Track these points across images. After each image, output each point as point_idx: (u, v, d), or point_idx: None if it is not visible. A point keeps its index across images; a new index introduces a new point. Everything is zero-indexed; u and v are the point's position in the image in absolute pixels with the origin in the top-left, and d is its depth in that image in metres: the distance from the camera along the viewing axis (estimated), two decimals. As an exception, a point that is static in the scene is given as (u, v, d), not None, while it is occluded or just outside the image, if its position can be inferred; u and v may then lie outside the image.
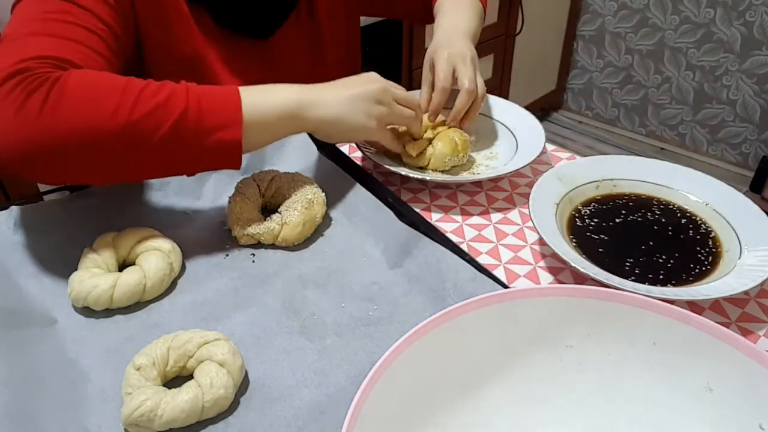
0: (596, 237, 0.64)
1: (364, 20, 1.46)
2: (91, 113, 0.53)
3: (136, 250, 0.60)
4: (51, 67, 0.56)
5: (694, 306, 0.57)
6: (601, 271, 0.57)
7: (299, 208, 0.63)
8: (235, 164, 0.60)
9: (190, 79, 0.59)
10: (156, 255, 0.58)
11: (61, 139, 0.53)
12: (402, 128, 0.76)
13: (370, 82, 0.67)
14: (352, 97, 0.64)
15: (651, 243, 0.63)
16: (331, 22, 0.89)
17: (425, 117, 0.77)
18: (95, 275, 0.56)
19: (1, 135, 0.53)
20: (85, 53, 0.60)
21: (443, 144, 0.74)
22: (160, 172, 0.60)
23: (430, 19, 0.93)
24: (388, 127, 0.71)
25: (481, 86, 0.75)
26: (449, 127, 0.77)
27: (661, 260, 0.61)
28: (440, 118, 0.78)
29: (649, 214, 0.67)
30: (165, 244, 0.60)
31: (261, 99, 0.60)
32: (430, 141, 0.75)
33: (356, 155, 0.81)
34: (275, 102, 0.61)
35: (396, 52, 1.81)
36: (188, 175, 0.63)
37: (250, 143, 0.60)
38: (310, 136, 0.76)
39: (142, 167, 0.58)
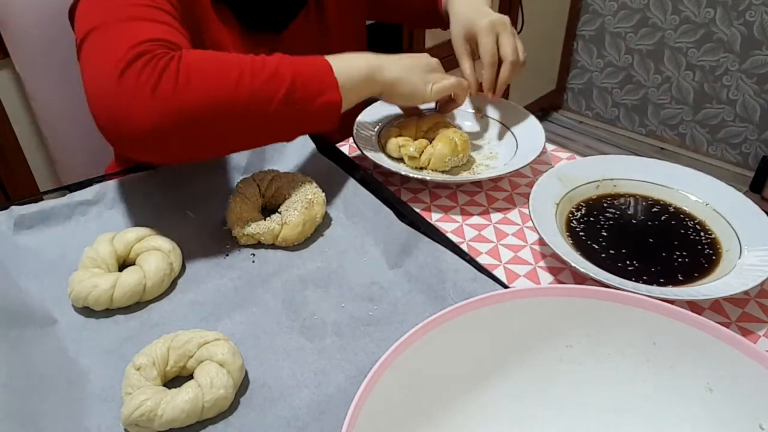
0: (596, 237, 0.64)
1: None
2: (219, 85, 0.58)
3: (136, 250, 0.60)
4: (165, 47, 0.59)
5: (694, 306, 0.57)
6: (601, 271, 0.57)
7: (299, 208, 0.63)
8: (335, 123, 0.66)
9: None
10: (156, 255, 0.58)
11: (194, 114, 0.57)
12: (398, 134, 0.77)
13: (425, 56, 0.76)
14: (410, 65, 0.74)
15: (651, 243, 0.63)
16: (339, 20, 0.91)
17: (421, 120, 0.79)
18: (95, 275, 0.56)
19: (138, 115, 0.56)
20: (177, 34, 0.63)
21: (443, 144, 0.74)
22: (275, 137, 0.66)
23: (438, 22, 0.95)
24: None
25: (522, 55, 0.78)
26: (449, 127, 0.77)
27: (661, 260, 0.61)
28: (433, 119, 0.79)
29: (649, 214, 0.67)
30: (165, 244, 0.60)
31: (344, 65, 0.66)
32: (430, 141, 0.76)
33: (356, 155, 0.81)
34: (354, 66, 0.68)
35: (396, 50, 1.81)
36: (290, 141, 0.71)
37: (343, 104, 0.66)
38: (311, 136, 0.76)
39: (259, 134, 0.64)
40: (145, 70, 0.56)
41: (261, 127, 0.62)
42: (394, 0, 1.03)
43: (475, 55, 0.80)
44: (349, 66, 0.67)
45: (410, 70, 0.73)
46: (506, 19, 0.78)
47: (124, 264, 0.60)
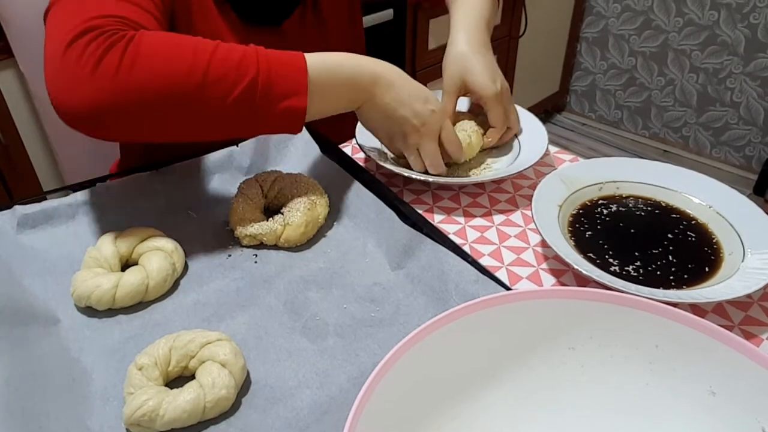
0: (599, 239, 0.63)
1: (366, 21, 1.46)
2: (167, 72, 0.55)
3: (138, 250, 0.60)
4: (120, 25, 0.57)
5: (696, 309, 0.57)
6: (604, 273, 0.57)
7: (302, 209, 0.63)
8: (297, 130, 0.61)
9: None
10: (159, 255, 0.58)
11: (137, 97, 0.54)
12: None
13: (431, 106, 0.68)
14: (409, 111, 0.67)
15: (654, 245, 0.63)
16: (335, 15, 0.90)
17: None
18: (98, 275, 0.56)
19: (77, 91, 0.54)
20: (143, 15, 0.61)
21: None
22: (226, 133, 0.61)
23: (438, 2, 0.94)
24: None
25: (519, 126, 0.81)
26: (465, 119, 0.79)
27: (663, 263, 0.61)
28: None
29: (652, 216, 0.67)
30: (168, 244, 0.60)
31: (326, 68, 0.61)
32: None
33: (359, 156, 0.81)
34: (343, 71, 0.63)
35: (399, 53, 1.81)
36: (249, 138, 0.68)
37: (314, 112, 0.62)
38: (313, 136, 0.76)
39: (209, 128, 0.60)
40: (90, 47, 0.54)
41: (213, 120, 0.58)
42: None
43: (462, 92, 0.78)
44: (334, 70, 0.62)
45: (404, 107, 0.66)
46: (506, 85, 0.77)
47: (126, 264, 0.61)
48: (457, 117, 0.80)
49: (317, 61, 0.61)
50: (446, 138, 0.70)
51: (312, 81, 0.60)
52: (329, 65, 0.62)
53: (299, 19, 0.86)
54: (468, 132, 0.75)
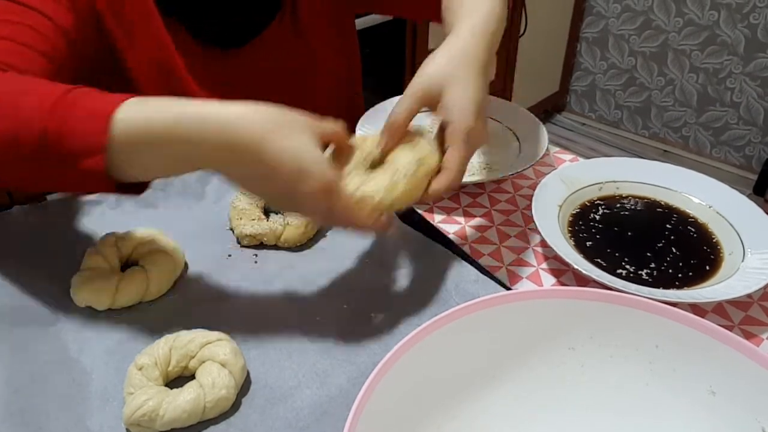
0: (599, 239, 0.63)
1: (365, 22, 1.45)
2: None
3: (139, 250, 0.60)
4: None
5: (696, 309, 0.57)
6: (604, 273, 0.57)
7: (302, 209, 0.63)
8: (110, 190, 0.48)
9: (163, 89, 0.54)
10: (159, 255, 0.58)
11: None
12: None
13: (308, 172, 0.45)
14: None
15: (654, 245, 0.63)
16: (317, 21, 0.82)
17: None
18: (98, 275, 0.56)
19: None
20: (24, 53, 0.55)
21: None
22: (36, 187, 0.54)
23: (432, 13, 0.74)
24: None
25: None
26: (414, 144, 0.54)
27: (663, 262, 0.61)
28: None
29: (652, 216, 0.67)
30: (168, 245, 0.60)
31: (147, 125, 0.45)
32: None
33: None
34: (176, 130, 0.45)
35: (399, 54, 1.81)
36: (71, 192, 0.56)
37: (136, 173, 0.48)
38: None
39: (16, 180, 0.52)
40: None
41: (18, 174, 0.50)
42: None
43: (427, 104, 0.55)
44: (156, 127, 0.45)
45: (266, 188, 0.47)
46: (486, 130, 0.56)
47: (127, 264, 0.61)
48: (407, 135, 0.55)
49: (135, 117, 0.45)
50: (340, 217, 0.48)
51: (118, 140, 0.45)
52: (153, 122, 0.45)
53: (273, 32, 0.78)
54: (403, 172, 0.50)
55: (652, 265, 0.60)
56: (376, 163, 0.52)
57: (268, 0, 0.76)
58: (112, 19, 0.68)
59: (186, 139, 0.45)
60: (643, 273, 0.59)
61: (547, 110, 2.78)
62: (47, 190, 0.56)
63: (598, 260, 0.61)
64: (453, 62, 0.55)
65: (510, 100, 0.88)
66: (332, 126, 0.49)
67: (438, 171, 0.52)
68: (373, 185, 0.49)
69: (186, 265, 0.61)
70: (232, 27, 0.75)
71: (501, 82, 2.30)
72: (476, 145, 0.55)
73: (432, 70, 0.55)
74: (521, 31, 2.21)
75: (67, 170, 0.47)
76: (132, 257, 0.60)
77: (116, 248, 0.60)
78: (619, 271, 0.59)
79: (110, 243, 0.60)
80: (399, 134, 0.54)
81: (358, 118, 0.82)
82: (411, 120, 0.54)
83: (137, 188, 0.50)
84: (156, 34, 0.71)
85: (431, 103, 0.55)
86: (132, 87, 0.71)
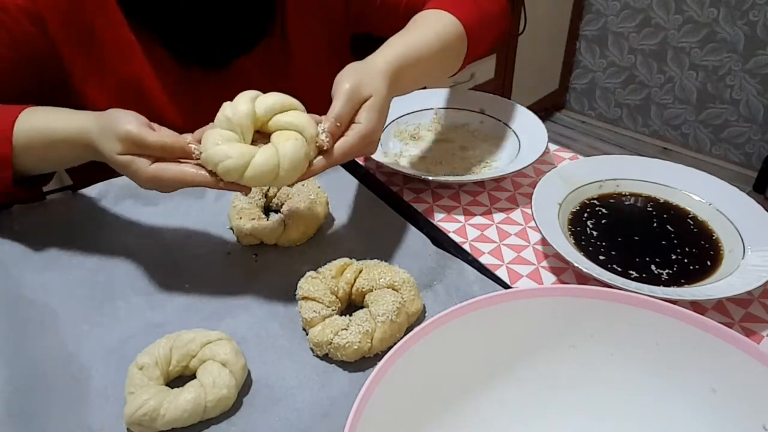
0: (599, 237, 0.63)
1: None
2: None
3: (275, 122, 0.52)
4: None
5: (697, 306, 0.57)
6: (604, 271, 0.57)
7: (302, 208, 0.63)
8: (7, 180, 0.60)
9: (132, 107, 0.55)
10: (292, 138, 0.50)
11: None
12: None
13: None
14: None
15: (654, 243, 0.63)
16: (308, 41, 0.81)
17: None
18: (229, 140, 0.50)
19: None
20: None
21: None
22: None
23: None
24: None
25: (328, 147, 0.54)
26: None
27: (664, 260, 0.61)
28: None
29: (651, 214, 0.67)
30: (306, 126, 0.52)
31: (43, 125, 0.58)
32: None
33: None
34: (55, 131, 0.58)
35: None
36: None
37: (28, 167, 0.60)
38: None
39: None
40: None
41: None
42: (379, 15, 0.83)
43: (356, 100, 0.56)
44: (53, 127, 0.58)
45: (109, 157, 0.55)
46: (377, 138, 0.57)
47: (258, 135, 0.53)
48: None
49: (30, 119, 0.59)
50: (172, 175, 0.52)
51: (18, 136, 0.58)
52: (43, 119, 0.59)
53: (257, 54, 0.76)
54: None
55: (652, 263, 0.60)
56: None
57: (255, 20, 0.74)
58: (66, 36, 0.67)
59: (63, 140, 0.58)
60: (643, 271, 0.59)
61: (546, 108, 2.77)
62: None
63: (598, 258, 0.61)
64: (375, 73, 0.58)
65: (509, 98, 0.88)
66: (156, 136, 0.52)
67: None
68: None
69: (186, 265, 0.61)
70: (215, 46, 0.73)
71: (500, 80, 2.29)
72: (367, 152, 0.58)
73: (355, 78, 0.56)
74: (521, 29, 2.21)
75: None
76: (269, 127, 0.53)
77: (253, 108, 0.52)
78: (619, 268, 0.59)
79: (249, 101, 0.52)
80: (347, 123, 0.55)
81: None
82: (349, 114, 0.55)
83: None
84: (123, 49, 0.70)
85: (360, 103, 0.56)
86: (87, 102, 0.71)
